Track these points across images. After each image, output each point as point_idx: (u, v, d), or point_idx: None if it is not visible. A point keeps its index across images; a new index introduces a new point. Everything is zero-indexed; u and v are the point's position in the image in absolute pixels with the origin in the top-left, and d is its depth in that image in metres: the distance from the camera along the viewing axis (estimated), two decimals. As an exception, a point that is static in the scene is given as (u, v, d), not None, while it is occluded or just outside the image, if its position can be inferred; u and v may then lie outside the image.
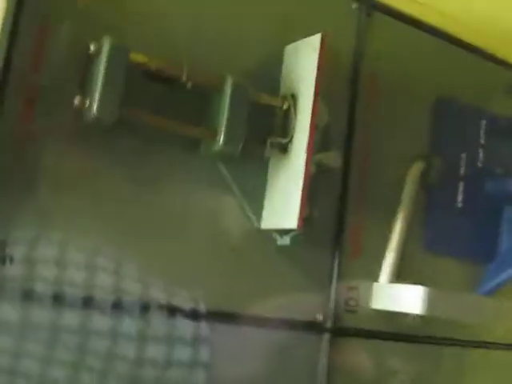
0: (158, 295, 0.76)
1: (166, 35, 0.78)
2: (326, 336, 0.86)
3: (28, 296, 0.69)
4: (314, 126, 0.79)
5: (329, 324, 0.86)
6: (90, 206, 0.73)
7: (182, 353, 0.77)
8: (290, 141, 0.80)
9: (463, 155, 1.00)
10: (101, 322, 0.73)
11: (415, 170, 0.94)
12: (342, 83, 0.90)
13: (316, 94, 0.79)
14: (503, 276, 0.98)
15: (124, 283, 0.74)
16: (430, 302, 0.84)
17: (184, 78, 0.75)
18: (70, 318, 0.70)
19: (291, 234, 0.81)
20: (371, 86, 0.92)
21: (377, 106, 0.92)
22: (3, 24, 0.69)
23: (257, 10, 0.85)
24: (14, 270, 0.68)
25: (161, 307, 0.76)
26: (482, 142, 1.02)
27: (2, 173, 0.69)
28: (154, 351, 0.75)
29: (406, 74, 0.95)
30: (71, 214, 0.72)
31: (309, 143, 0.78)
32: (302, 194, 0.77)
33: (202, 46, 0.80)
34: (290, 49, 0.84)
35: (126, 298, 0.73)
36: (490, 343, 1.02)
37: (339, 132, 0.90)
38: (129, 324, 0.74)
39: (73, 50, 0.73)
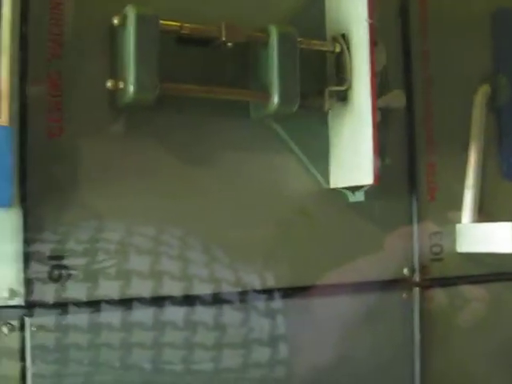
0: (228, 281, 0.69)
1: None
2: (416, 290, 0.79)
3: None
4: (374, 67, 0.70)
5: (417, 277, 0.79)
6: (146, 198, 0.66)
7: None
8: (349, 87, 0.71)
9: (529, 69, 0.90)
10: (175, 314, 0.67)
11: (481, 94, 0.85)
12: (390, 9, 0.80)
13: (371, 30, 0.70)
14: None
15: (193, 272, 0.68)
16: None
17: (223, 38, 0.66)
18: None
19: (364, 188, 0.73)
20: (422, 8, 0.83)
21: (431, 30, 0.83)
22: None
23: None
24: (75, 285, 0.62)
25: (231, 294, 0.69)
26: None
27: (48, 184, 0.62)
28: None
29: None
30: (126, 211, 0.66)
31: (372, 88, 0.69)
32: (374, 144, 0.69)
33: (237, 1, 0.71)
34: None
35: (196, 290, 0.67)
36: None
37: (395, 66, 0.80)
38: (204, 313, 0.68)
39: (95, 26, 0.65)
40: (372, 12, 0.70)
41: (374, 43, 0.70)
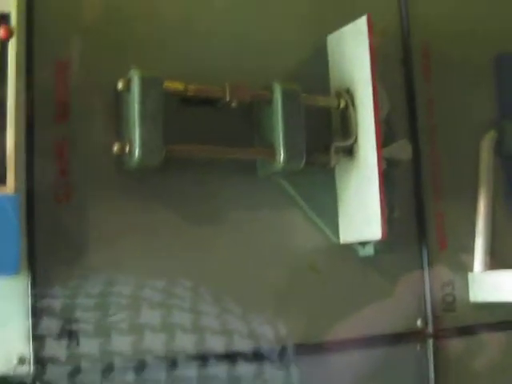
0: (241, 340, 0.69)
1: (201, 56, 0.70)
2: (430, 341, 0.78)
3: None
4: (378, 120, 0.70)
5: (430, 328, 0.78)
6: (155, 257, 0.66)
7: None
8: (355, 142, 0.71)
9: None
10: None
11: (488, 140, 0.84)
12: (394, 59, 0.81)
13: (374, 84, 0.70)
14: None
15: (204, 326, 0.67)
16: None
17: (228, 98, 0.66)
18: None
19: (373, 242, 0.73)
20: (425, 56, 0.83)
21: (434, 77, 0.83)
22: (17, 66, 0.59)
23: (290, 6, 0.76)
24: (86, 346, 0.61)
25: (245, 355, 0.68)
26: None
27: (56, 248, 0.62)
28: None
29: (460, 34, 0.86)
30: (135, 269, 0.65)
31: (377, 140, 0.69)
32: (381, 199, 0.69)
33: (240, 60, 0.71)
34: (333, 38, 0.75)
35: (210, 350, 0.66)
36: None
37: (400, 115, 0.80)
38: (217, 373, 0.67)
39: (100, 90, 0.65)
40: (375, 65, 0.70)
41: (377, 98, 0.70)
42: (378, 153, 0.69)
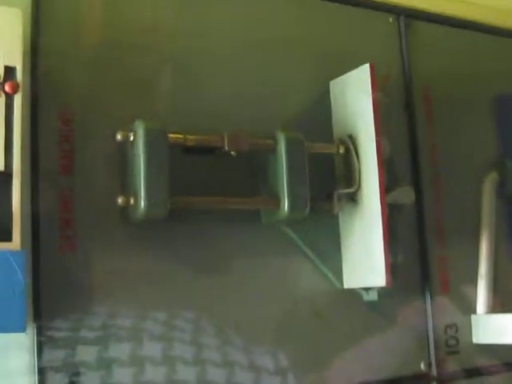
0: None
1: (202, 103, 0.70)
2: (434, 385, 0.78)
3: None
4: (382, 167, 0.70)
5: (434, 371, 0.78)
6: (161, 307, 0.66)
7: None
8: (358, 188, 0.71)
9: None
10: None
11: (489, 181, 0.85)
12: (395, 105, 0.81)
13: (377, 131, 0.70)
14: None
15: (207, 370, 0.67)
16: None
17: (226, 147, 0.66)
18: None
19: (378, 288, 0.73)
20: (426, 101, 0.84)
21: (436, 120, 0.84)
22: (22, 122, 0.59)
23: (291, 53, 0.76)
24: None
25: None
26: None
27: (61, 299, 0.62)
28: None
29: (460, 78, 0.87)
30: (140, 320, 0.65)
31: (380, 188, 0.69)
32: (384, 246, 0.69)
33: (242, 107, 0.72)
34: (335, 84, 0.76)
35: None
36: None
37: (403, 159, 0.81)
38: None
39: (104, 140, 0.65)
40: (377, 112, 0.70)
41: (380, 145, 0.70)
42: (381, 200, 0.69)
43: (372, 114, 0.70)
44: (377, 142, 0.69)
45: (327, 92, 0.76)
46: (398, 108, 0.82)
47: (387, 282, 0.69)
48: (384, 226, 0.69)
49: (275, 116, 0.73)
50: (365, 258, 0.71)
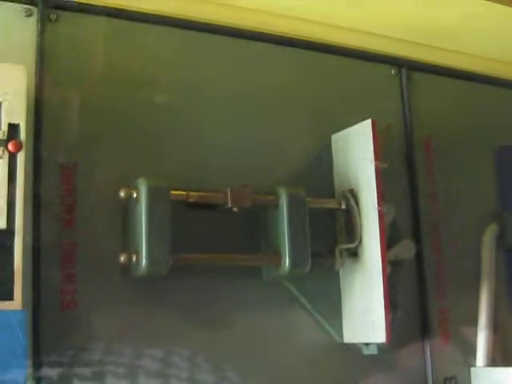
0: None
1: (203, 159, 0.71)
2: None
3: None
4: (383, 222, 0.70)
5: (433, 425, 0.78)
6: (162, 364, 0.66)
7: None
8: (359, 244, 0.72)
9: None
10: None
11: (489, 233, 0.85)
12: (396, 158, 0.82)
13: (379, 186, 0.71)
14: None
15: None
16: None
17: (229, 204, 0.66)
18: None
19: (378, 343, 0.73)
20: (427, 151, 0.84)
21: (436, 171, 0.84)
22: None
23: (293, 105, 0.77)
24: None
25: None
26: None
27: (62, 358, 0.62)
28: None
29: (461, 129, 0.87)
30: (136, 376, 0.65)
31: (382, 244, 0.70)
32: (385, 303, 0.69)
33: (242, 162, 0.73)
34: (337, 138, 0.76)
35: None
36: None
37: (403, 211, 0.81)
38: None
39: (105, 195, 0.66)
40: (378, 165, 0.71)
41: (382, 197, 0.70)
42: (382, 256, 0.69)
43: (374, 175, 0.70)
44: (378, 192, 0.70)
45: (329, 146, 0.76)
46: (399, 158, 0.82)
47: (387, 339, 0.69)
48: (384, 282, 0.69)
49: (276, 168, 0.74)
50: (365, 315, 0.71)
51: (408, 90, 0.84)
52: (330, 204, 0.73)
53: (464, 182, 0.86)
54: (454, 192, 0.85)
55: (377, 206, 0.70)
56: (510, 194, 0.89)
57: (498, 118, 0.90)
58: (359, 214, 0.72)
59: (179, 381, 0.66)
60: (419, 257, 0.80)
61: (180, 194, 0.65)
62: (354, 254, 0.72)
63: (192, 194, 0.66)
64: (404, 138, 0.83)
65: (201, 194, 0.67)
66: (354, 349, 0.74)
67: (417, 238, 0.81)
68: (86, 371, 0.63)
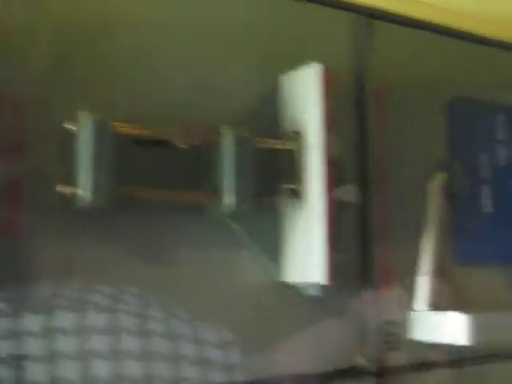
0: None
1: (151, 95, 0.70)
2: (372, 380, 0.80)
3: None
4: (330, 164, 0.71)
5: (372, 367, 0.80)
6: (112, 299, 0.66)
7: None
8: (304, 184, 0.72)
9: (483, 156, 0.92)
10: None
11: (436, 181, 0.86)
12: (348, 104, 0.82)
13: (327, 127, 0.71)
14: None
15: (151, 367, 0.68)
16: (476, 330, 0.78)
17: (176, 141, 0.67)
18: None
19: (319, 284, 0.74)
20: (380, 100, 0.84)
21: (388, 121, 0.85)
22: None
23: (243, 47, 0.77)
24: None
25: None
26: (501, 138, 0.94)
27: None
28: None
29: (416, 80, 0.87)
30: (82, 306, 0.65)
31: (327, 184, 0.70)
32: (327, 243, 0.70)
33: (191, 100, 0.72)
34: (285, 79, 0.76)
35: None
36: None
37: (351, 157, 0.82)
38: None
39: (52, 129, 0.65)
40: (327, 108, 0.71)
41: (328, 140, 0.71)
42: (327, 197, 0.70)
43: (321, 110, 0.71)
44: (324, 132, 0.70)
45: (278, 87, 0.76)
46: (350, 104, 0.82)
47: (329, 280, 0.70)
48: (329, 223, 0.70)
49: (223, 108, 0.73)
50: (307, 255, 0.72)
51: (364, 38, 0.84)
52: (276, 144, 0.73)
53: (415, 131, 0.86)
54: (404, 141, 0.85)
55: (322, 147, 0.71)
56: (460, 145, 0.90)
57: (453, 70, 0.90)
58: (305, 155, 0.72)
59: (128, 316, 0.67)
60: (365, 201, 0.81)
61: (125, 128, 0.65)
62: (298, 194, 0.73)
63: (139, 129, 0.66)
64: (356, 84, 0.83)
65: (147, 129, 0.66)
66: (297, 290, 0.75)
67: (364, 184, 0.82)
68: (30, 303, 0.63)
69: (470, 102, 0.92)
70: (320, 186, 0.71)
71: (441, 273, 0.85)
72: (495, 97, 0.95)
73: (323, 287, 0.74)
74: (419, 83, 0.87)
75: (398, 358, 0.82)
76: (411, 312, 0.83)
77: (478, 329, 0.78)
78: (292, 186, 0.73)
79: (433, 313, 0.82)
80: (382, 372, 0.80)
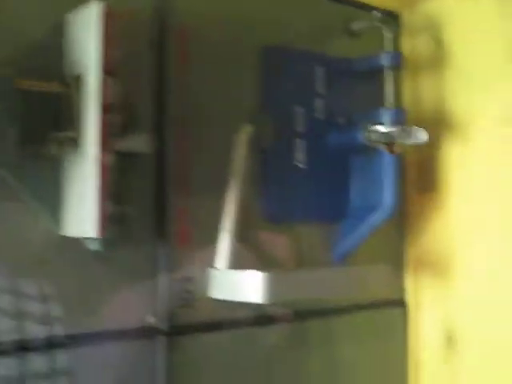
0: None
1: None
2: (162, 339, 0.76)
3: None
4: (107, 111, 0.66)
5: (163, 325, 0.76)
6: None
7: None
8: (80, 132, 0.67)
9: (299, 108, 0.88)
10: None
11: (243, 134, 0.82)
12: (145, 49, 0.77)
13: (105, 71, 0.66)
14: (357, 234, 0.89)
15: None
16: (273, 288, 0.75)
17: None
18: None
19: (100, 237, 0.69)
20: (182, 46, 0.79)
21: (191, 69, 0.80)
22: None
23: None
24: None
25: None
26: (320, 90, 0.90)
27: None
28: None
29: (225, 23, 0.82)
30: None
31: (103, 133, 0.65)
32: (100, 194, 0.65)
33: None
34: (71, 19, 0.70)
35: None
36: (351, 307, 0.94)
37: (146, 104, 0.76)
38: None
39: None
40: (107, 50, 0.66)
41: (106, 86, 0.66)
42: (102, 146, 0.65)
43: (99, 52, 0.66)
44: (102, 85, 0.65)
45: (63, 27, 0.70)
46: (146, 46, 0.77)
47: (101, 232, 0.65)
48: (103, 172, 0.65)
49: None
50: (82, 207, 0.67)
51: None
52: (52, 88, 0.67)
53: (223, 79, 0.82)
54: (210, 89, 0.81)
55: (99, 93, 0.66)
56: (273, 96, 0.86)
57: (269, 16, 0.86)
58: (82, 101, 0.67)
59: None
60: (161, 152, 0.77)
61: None
62: (75, 142, 0.68)
63: None
64: (157, 24, 0.77)
65: None
66: (79, 244, 0.71)
67: (161, 133, 0.77)
68: None
69: (287, 51, 0.87)
70: (96, 134, 0.66)
71: (245, 230, 0.82)
72: (315, 47, 0.91)
73: (104, 241, 0.70)
74: (230, 27, 0.83)
75: (193, 316, 0.79)
76: (210, 269, 0.80)
77: (273, 287, 0.75)
78: (68, 134, 0.67)
79: (232, 271, 0.79)
80: (174, 331, 0.77)
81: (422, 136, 0.87)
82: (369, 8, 0.95)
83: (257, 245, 0.84)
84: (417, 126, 0.88)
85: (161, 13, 0.78)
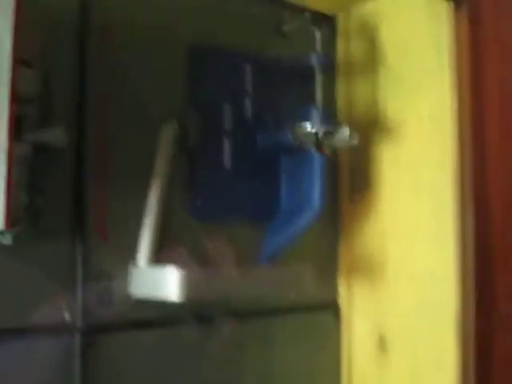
0: None
1: None
2: (78, 337, 0.75)
3: None
4: (14, 100, 0.65)
5: (79, 323, 0.75)
6: None
7: None
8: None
9: (227, 107, 0.87)
10: None
11: (167, 132, 0.81)
12: (67, 42, 0.76)
13: (18, 61, 0.65)
14: (285, 234, 0.89)
15: None
16: (190, 286, 0.74)
17: None
18: None
19: (10, 231, 0.68)
20: (105, 41, 0.78)
21: (116, 63, 0.79)
22: None
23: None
24: None
25: None
26: (249, 89, 0.90)
27: None
28: None
29: (153, 21, 0.82)
30: None
31: (9, 124, 0.64)
32: (8, 185, 0.64)
33: None
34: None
35: None
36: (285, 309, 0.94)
37: (68, 100, 0.76)
38: None
39: None
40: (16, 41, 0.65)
41: (14, 77, 0.65)
42: (8, 137, 0.64)
43: (9, 43, 0.65)
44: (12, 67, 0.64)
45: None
46: (69, 43, 0.76)
47: (7, 226, 0.64)
48: (8, 164, 0.64)
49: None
50: (-6, 200, 0.66)
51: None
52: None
53: (149, 76, 0.81)
54: (134, 86, 0.80)
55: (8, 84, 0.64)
56: (196, 94, 0.85)
57: (197, 15, 0.86)
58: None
59: None
60: (80, 146, 0.76)
61: None
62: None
63: None
64: (79, 23, 0.77)
65: None
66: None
67: (81, 125, 0.76)
68: None
69: (213, 50, 0.87)
70: (5, 124, 0.64)
71: (167, 228, 0.81)
72: (246, 47, 0.91)
73: (15, 235, 0.68)
74: (157, 25, 0.82)
75: (111, 314, 0.77)
76: (130, 267, 0.79)
77: (188, 285, 0.74)
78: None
79: (151, 269, 0.78)
80: (91, 330, 0.76)
81: (350, 137, 0.87)
82: (303, 10, 0.95)
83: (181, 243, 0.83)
84: (351, 127, 0.88)
85: (86, 6, 0.77)
